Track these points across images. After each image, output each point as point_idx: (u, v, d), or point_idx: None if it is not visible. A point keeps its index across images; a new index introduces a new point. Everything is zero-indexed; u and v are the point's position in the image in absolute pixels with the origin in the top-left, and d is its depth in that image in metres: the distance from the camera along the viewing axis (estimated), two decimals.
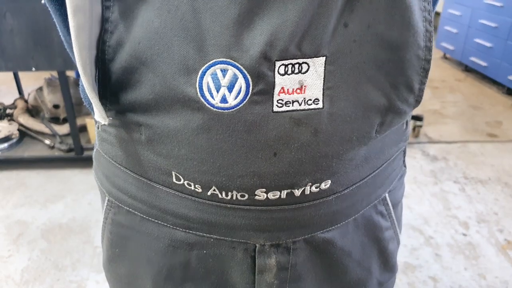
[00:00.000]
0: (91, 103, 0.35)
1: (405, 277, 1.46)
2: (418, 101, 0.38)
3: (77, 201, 1.71)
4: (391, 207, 0.46)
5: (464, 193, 1.89)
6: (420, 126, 2.16)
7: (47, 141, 1.92)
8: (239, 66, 0.31)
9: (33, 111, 2.04)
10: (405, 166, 0.49)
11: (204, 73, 0.31)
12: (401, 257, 1.54)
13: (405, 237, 1.65)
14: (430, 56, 0.35)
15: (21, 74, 2.19)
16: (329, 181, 0.37)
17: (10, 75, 2.18)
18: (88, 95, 0.34)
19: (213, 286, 0.43)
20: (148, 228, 0.42)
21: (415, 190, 1.94)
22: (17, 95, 2.17)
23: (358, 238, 0.44)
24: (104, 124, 0.37)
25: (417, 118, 2.14)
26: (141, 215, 0.42)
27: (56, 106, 1.98)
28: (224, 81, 0.31)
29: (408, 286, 1.42)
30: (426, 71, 0.36)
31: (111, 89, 0.35)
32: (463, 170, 2.03)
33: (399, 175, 0.47)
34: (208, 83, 0.31)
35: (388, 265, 0.50)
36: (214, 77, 0.31)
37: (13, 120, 1.98)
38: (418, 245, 1.61)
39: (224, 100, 0.32)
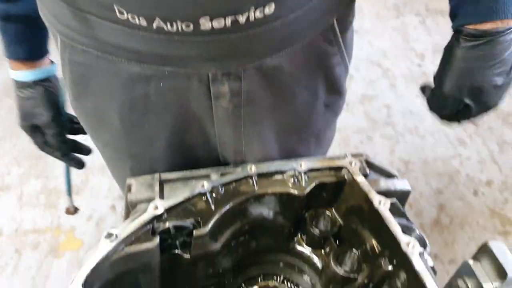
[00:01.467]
0: None
1: (361, 106, 1.60)
2: None
3: None
4: (339, 34, 0.47)
5: (424, 25, 1.92)
6: None
7: None
8: None
9: None
10: None
11: None
12: (359, 89, 1.66)
13: (364, 71, 1.74)
14: None
15: None
16: (273, 4, 0.37)
17: None
18: None
19: (174, 115, 0.48)
20: (105, 65, 0.43)
21: (377, 25, 1.95)
22: None
23: (305, 64, 0.46)
24: None
25: None
26: (96, 52, 0.42)
27: None
28: None
29: (364, 114, 1.57)
30: None
31: None
32: (426, 2, 2.02)
33: (348, 2, 0.47)
34: None
35: (334, 87, 0.53)
36: None
37: None
38: (376, 77, 1.71)
39: None
